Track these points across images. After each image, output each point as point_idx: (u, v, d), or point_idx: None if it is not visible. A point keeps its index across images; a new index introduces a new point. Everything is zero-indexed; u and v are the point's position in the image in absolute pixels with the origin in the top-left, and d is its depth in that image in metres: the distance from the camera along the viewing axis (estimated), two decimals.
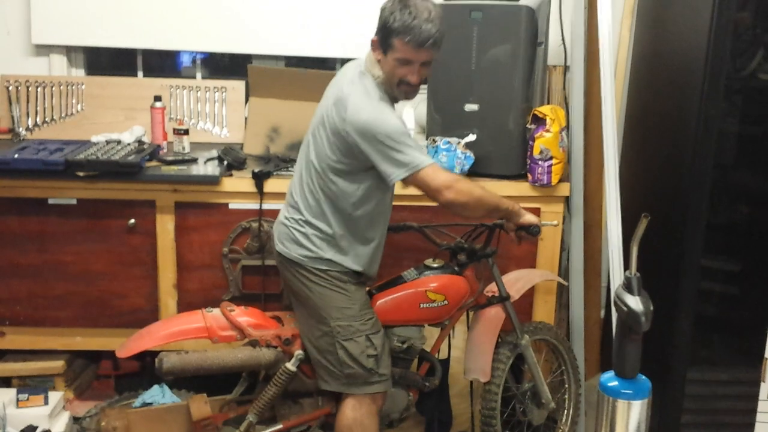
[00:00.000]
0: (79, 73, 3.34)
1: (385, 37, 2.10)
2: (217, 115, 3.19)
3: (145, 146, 2.85)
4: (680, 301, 2.57)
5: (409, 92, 2.18)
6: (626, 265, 2.18)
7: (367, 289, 2.38)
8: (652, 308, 1.50)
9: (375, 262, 2.31)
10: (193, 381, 2.40)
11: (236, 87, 3.18)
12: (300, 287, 2.25)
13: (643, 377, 1.56)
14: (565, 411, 2.72)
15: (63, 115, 3.14)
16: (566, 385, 2.73)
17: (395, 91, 2.16)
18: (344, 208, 2.19)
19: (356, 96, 2.11)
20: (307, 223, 2.22)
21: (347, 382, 2.23)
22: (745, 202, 2.85)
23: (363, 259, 2.25)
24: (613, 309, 2.48)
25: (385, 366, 2.25)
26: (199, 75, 3.41)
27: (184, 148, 2.91)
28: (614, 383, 1.54)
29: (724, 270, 2.85)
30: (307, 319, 2.27)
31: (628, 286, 1.52)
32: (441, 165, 2.45)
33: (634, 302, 1.50)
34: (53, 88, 3.13)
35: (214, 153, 2.88)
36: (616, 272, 2.66)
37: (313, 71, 3.08)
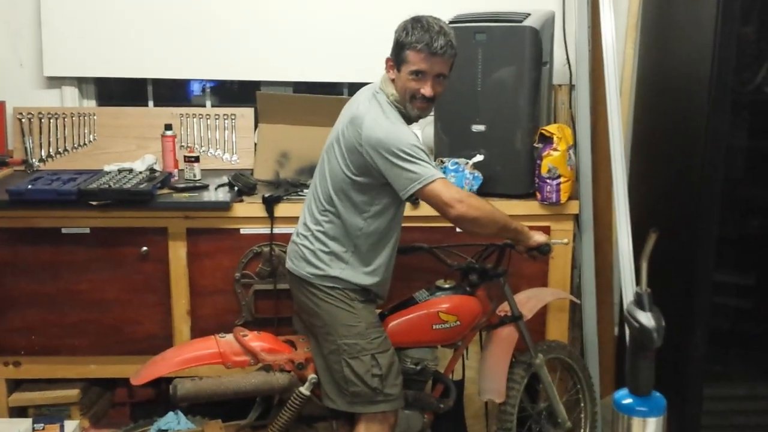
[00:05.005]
0: (90, 103, 3.39)
1: (398, 52, 2.16)
2: (227, 142, 3.23)
3: (157, 174, 2.88)
4: (694, 317, 2.56)
5: (423, 108, 2.21)
6: (637, 281, 2.17)
7: (379, 311, 2.38)
8: (664, 324, 1.49)
9: (384, 281, 2.32)
10: (207, 407, 2.41)
11: (245, 114, 3.22)
12: (309, 304, 2.27)
13: (658, 394, 1.54)
14: (582, 430, 2.70)
15: (75, 145, 3.18)
16: (582, 404, 2.71)
17: (409, 108, 2.19)
18: (355, 224, 2.20)
19: (372, 113, 2.15)
20: (316, 239, 2.24)
21: (351, 401, 2.23)
22: (756, 216, 2.83)
23: (371, 276, 2.26)
24: (626, 325, 2.47)
25: (392, 386, 2.24)
26: (208, 103, 3.45)
27: (195, 175, 2.94)
28: (628, 401, 1.52)
29: (737, 284, 2.83)
30: (317, 335, 2.28)
31: (638, 302, 1.51)
32: None
33: (646, 318, 1.48)
34: (65, 119, 3.17)
35: (225, 179, 2.90)
36: (627, 288, 2.64)
37: (321, 96, 3.11)
